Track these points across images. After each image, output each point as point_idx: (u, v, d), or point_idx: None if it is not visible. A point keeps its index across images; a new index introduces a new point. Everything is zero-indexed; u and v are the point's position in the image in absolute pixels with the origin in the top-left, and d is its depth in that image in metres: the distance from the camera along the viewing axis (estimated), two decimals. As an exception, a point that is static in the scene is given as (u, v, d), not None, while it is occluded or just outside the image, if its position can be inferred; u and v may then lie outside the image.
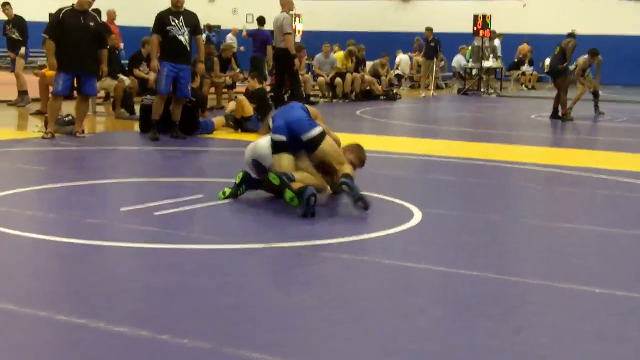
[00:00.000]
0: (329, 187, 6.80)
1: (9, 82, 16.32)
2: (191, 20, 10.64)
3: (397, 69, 25.83)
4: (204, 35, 15.74)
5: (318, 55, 20.13)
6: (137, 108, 12.61)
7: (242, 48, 24.41)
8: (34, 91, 14.22)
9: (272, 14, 16.23)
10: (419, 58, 24.68)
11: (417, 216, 6.20)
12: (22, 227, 5.51)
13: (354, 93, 19.84)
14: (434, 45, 22.36)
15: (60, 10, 10.36)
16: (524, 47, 27.11)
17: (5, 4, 15.68)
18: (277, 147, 6.52)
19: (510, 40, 26.61)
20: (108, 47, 11.45)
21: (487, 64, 23.99)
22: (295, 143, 6.50)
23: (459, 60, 25.16)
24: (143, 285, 4.42)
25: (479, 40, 23.63)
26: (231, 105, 12.45)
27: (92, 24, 10.40)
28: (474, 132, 13.84)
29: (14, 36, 15.49)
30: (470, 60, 24.65)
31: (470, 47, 24.83)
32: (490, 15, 23.98)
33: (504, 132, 13.88)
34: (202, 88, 14.05)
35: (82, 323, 3.69)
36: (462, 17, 27.04)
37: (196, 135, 11.10)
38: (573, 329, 3.91)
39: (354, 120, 15.02)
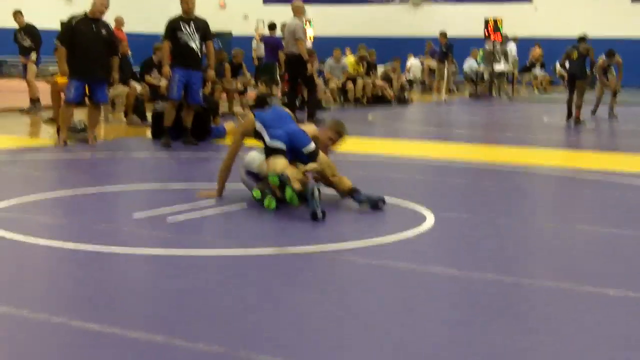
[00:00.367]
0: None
1: (22, 90, 16.41)
2: (202, 27, 10.67)
3: (409, 72, 25.83)
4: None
5: (329, 60, 20.13)
6: (148, 115, 12.64)
7: None
8: (46, 99, 14.28)
9: (283, 19, 16.25)
10: (431, 62, 24.68)
11: (430, 220, 6.19)
12: (36, 233, 5.52)
13: (365, 98, 19.85)
14: (445, 50, 22.38)
15: (72, 17, 10.42)
16: (536, 50, 27.08)
17: (17, 12, 15.78)
18: (273, 151, 6.57)
19: (522, 44, 26.58)
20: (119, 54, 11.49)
21: (498, 67, 23.95)
22: (292, 153, 6.60)
23: (470, 64, 25.14)
24: (157, 291, 4.42)
25: (490, 44, 23.62)
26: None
27: (104, 31, 10.44)
28: (486, 136, 13.81)
29: (25, 44, 15.59)
30: (482, 63, 24.61)
31: (481, 51, 24.79)
32: (502, 19, 23.97)
33: (516, 135, 13.83)
34: (214, 94, 14.09)
35: (97, 329, 3.69)
36: (474, 21, 27.06)
37: (208, 141, 11.11)
38: (588, 332, 3.88)
39: (365, 124, 15.01)
